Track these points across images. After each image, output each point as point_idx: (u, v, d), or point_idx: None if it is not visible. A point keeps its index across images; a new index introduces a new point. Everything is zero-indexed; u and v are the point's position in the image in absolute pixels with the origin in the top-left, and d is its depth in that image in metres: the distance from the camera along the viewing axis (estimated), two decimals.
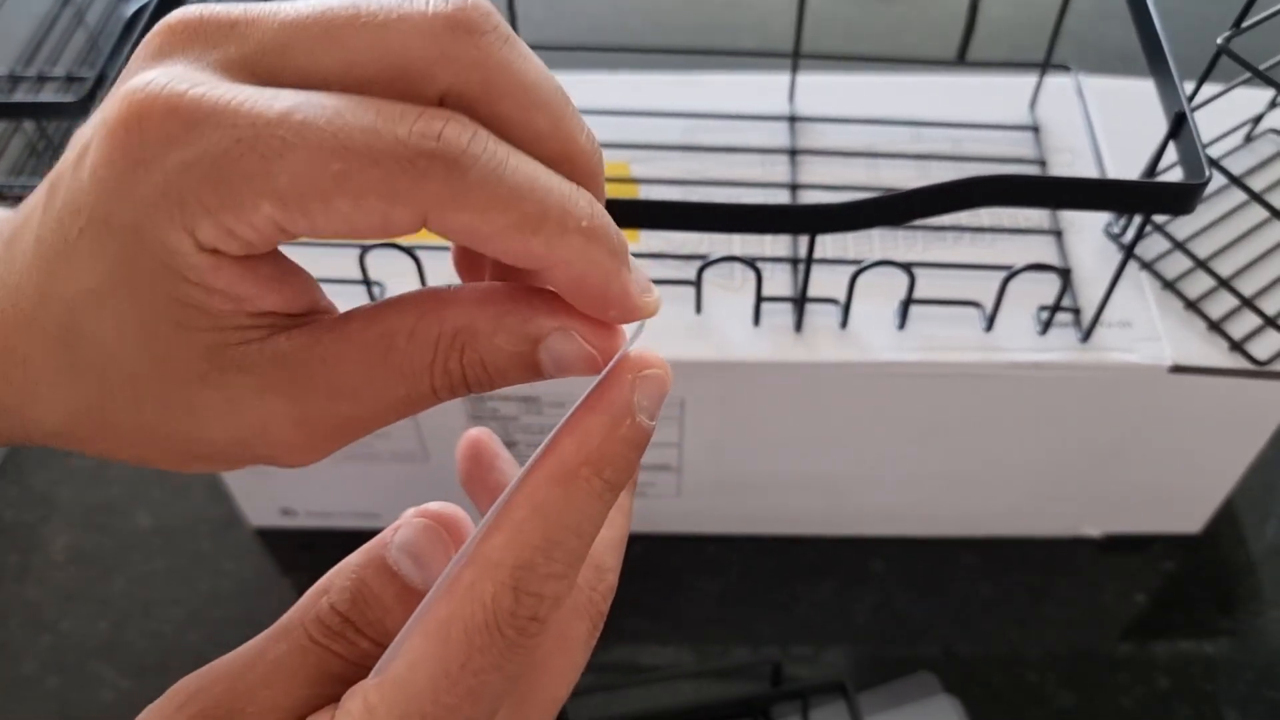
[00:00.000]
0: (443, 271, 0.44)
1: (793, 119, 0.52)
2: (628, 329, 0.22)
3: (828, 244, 0.47)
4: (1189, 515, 0.54)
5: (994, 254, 0.47)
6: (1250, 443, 0.48)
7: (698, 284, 0.44)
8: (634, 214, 0.38)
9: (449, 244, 0.24)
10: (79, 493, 0.57)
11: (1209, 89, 0.42)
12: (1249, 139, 0.51)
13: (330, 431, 0.21)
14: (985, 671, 0.51)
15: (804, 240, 0.46)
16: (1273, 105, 0.51)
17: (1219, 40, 0.39)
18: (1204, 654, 0.51)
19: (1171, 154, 0.39)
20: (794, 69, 0.53)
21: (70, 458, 0.58)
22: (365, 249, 0.44)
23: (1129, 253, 0.41)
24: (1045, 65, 0.52)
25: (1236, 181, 0.42)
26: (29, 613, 0.53)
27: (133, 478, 0.57)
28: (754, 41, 0.75)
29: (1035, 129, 0.52)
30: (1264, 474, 0.54)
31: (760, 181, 0.50)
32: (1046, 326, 0.44)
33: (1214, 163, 0.38)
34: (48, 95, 0.62)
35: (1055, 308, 0.44)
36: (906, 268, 0.42)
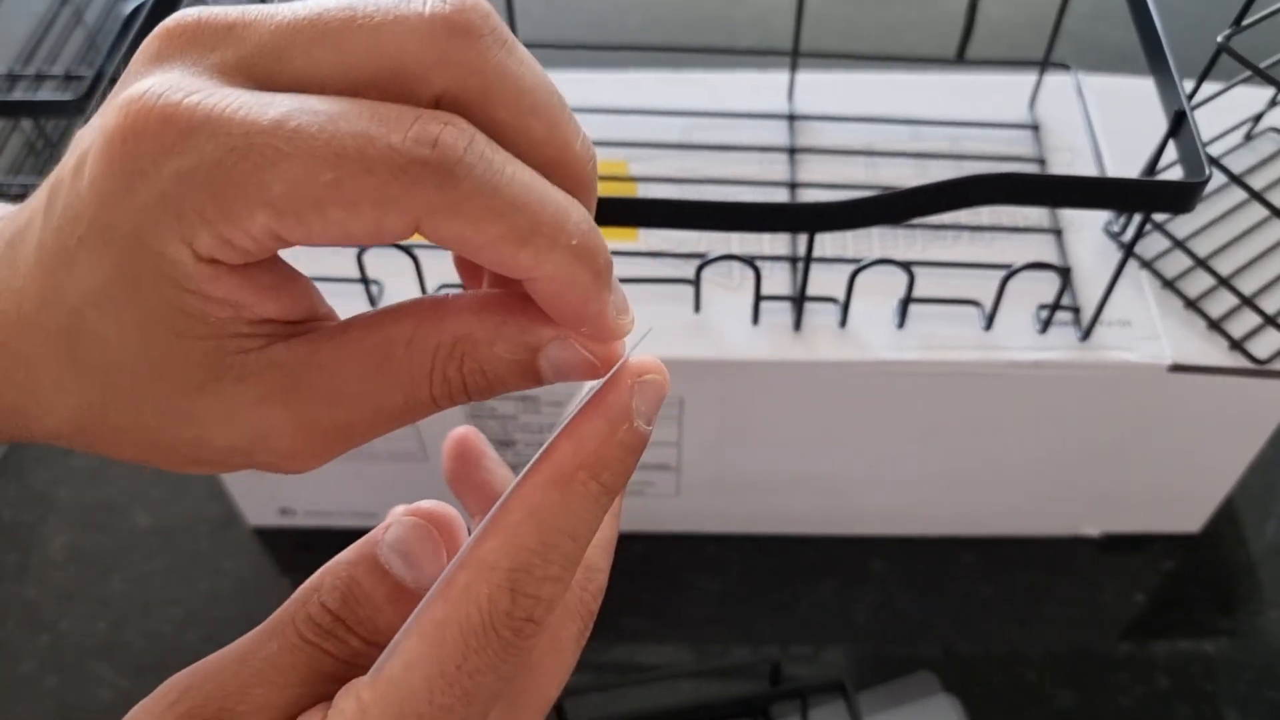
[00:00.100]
0: (441, 271, 0.44)
1: (791, 117, 0.52)
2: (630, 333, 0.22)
3: (827, 242, 0.47)
4: (1189, 515, 0.54)
5: (993, 253, 0.47)
6: (1250, 442, 0.48)
7: (696, 283, 0.44)
8: (632, 212, 0.38)
9: None
10: (78, 492, 0.57)
11: (1209, 87, 0.42)
12: (1249, 137, 0.51)
13: (329, 439, 0.21)
14: (985, 671, 0.51)
15: (803, 239, 0.46)
16: (1273, 103, 0.50)
17: (1219, 38, 0.39)
18: (1204, 654, 0.51)
19: (1171, 152, 0.39)
20: (793, 67, 0.52)
21: (70, 457, 0.58)
22: (363, 248, 0.44)
23: (1129, 251, 0.41)
24: (1045, 64, 0.52)
25: (1236, 180, 0.42)
26: (28, 612, 0.53)
27: (131, 477, 0.57)
28: (753, 39, 0.75)
29: (1035, 127, 0.52)
30: (1264, 473, 0.54)
31: (759, 180, 0.50)
32: (1046, 325, 0.44)
33: (1214, 161, 0.38)
34: (46, 94, 0.62)
35: (1055, 306, 0.44)
36: (906, 266, 0.42)
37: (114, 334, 0.19)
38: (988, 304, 0.44)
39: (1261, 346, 0.44)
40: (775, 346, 0.44)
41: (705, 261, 0.43)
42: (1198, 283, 0.46)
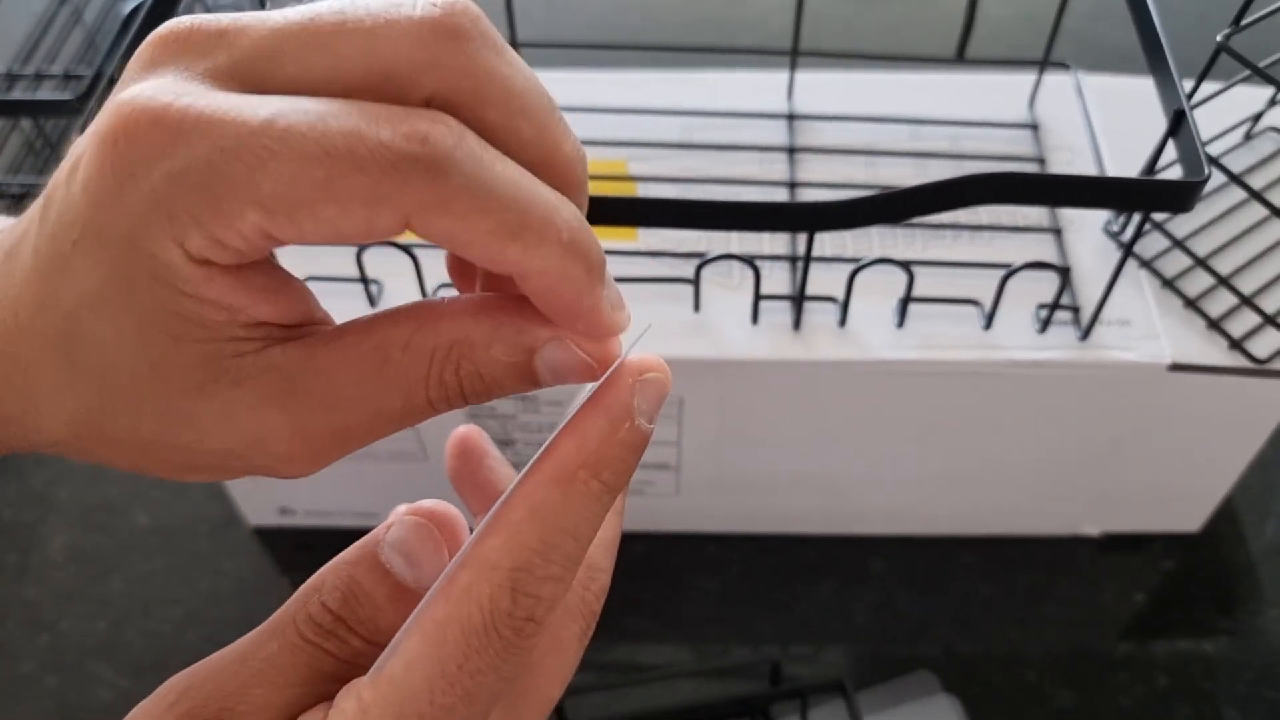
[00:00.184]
0: (441, 270, 0.44)
1: (791, 117, 0.52)
2: (629, 332, 0.22)
3: (826, 242, 0.47)
4: (1188, 514, 0.54)
5: (993, 252, 0.47)
6: (1250, 441, 0.48)
7: (696, 282, 0.44)
8: (632, 212, 0.38)
9: None
10: (77, 492, 0.57)
11: (1208, 87, 0.42)
12: (1248, 137, 0.51)
13: (326, 443, 0.21)
14: (985, 671, 0.51)
15: (802, 238, 0.46)
16: (1272, 103, 0.50)
17: (1218, 38, 0.39)
18: (1203, 653, 0.51)
19: (1171, 152, 0.39)
20: (792, 66, 0.52)
21: None
22: (362, 247, 0.44)
23: (1128, 251, 0.41)
24: (1044, 63, 0.52)
25: (1236, 179, 0.42)
26: (27, 612, 0.53)
27: (131, 477, 0.57)
28: (752, 39, 0.75)
29: (1034, 127, 0.52)
30: (1263, 473, 0.54)
31: (758, 179, 0.50)
32: (1045, 325, 0.44)
33: (1213, 160, 0.38)
34: (45, 93, 0.62)
35: (1054, 306, 0.44)
36: (905, 266, 0.42)
37: (110, 337, 0.19)
38: (987, 303, 0.44)
39: (1261, 346, 0.44)
40: (775, 346, 0.44)
41: (705, 261, 0.43)
42: (1197, 282, 0.46)
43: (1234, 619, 0.52)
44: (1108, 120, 0.51)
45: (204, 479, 0.22)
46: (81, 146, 0.19)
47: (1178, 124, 0.38)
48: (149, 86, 0.19)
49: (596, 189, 0.52)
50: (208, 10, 0.64)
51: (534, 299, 0.20)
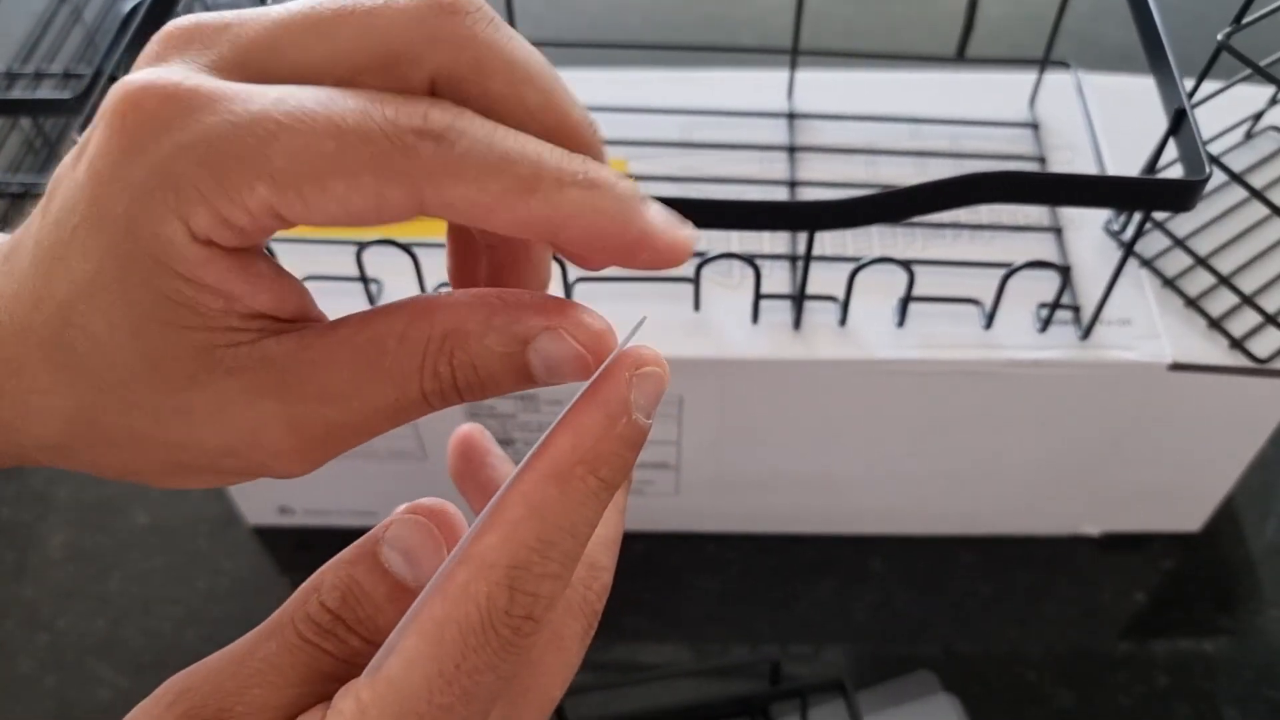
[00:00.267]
0: (441, 269, 0.44)
1: (791, 116, 0.52)
2: (624, 326, 0.21)
3: (826, 241, 0.47)
4: (1188, 514, 0.54)
5: (993, 251, 0.47)
6: (1250, 441, 0.48)
7: (696, 281, 0.44)
8: None
9: (444, 241, 0.25)
10: (76, 491, 0.57)
11: (1209, 86, 0.42)
12: (1249, 136, 0.51)
13: (321, 437, 0.20)
14: (985, 670, 0.51)
15: (802, 237, 0.46)
16: (1273, 102, 0.50)
17: (1219, 37, 0.39)
18: (1203, 653, 0.51)
19: (1171, 151, 0.39)
20: (793, 65, 0.52)
21: None
22: (362, 246, 0.44)
23: (1129, 250, 0.41)
24: (1045, 62, 0.52)
25: (1237, 178, 0.42)
26: (26, 611, 0.53)
27: None
28: (752, 38, 0.75)
29: (1035, 126, 0.52)
30: (1264, 472, 0.54)
31: (759, 178, 0.50)
32: (1046, 324, 0.44)
33: (1214, 159, 0.38)
34: (45, 92, 0.62)
35: (1055, 305, 0.43)
36: (906, 265, 0.42)
37: (103, 327, 0.19)
38: (988, 303, 0.44)
39: (1262, 345, 0.44)
40: (775, 345, 0.44)
41: (705, 260, 0.43)
42: (1198, 281, 0.45)
43: (1234, 619, 0.52)
44: (1108, 119, 0.51)
45: (198, 483, 0.22)
46: (88, 132, 0.19)
47: (1178, 123, 0.38)
48: (157, 70, 0.19)
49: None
50: (207, 9, 0.64)
51: (587, 251, 0.20)
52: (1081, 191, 0.38)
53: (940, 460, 0.50)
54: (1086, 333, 0.44)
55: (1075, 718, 0.49)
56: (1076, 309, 0.45)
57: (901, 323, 0.44)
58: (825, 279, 0.45)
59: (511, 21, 0.50)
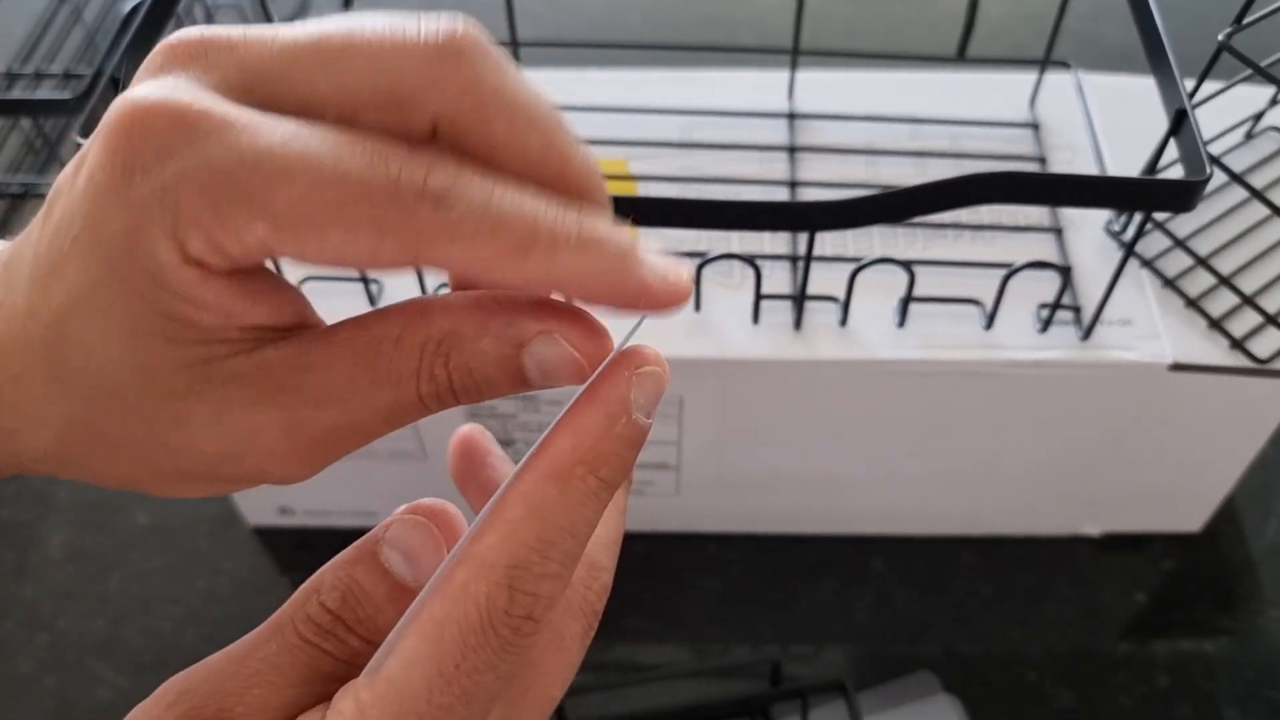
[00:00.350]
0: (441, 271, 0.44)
1: (792, 116, 0.52)
2: (624, 325, 0.21)
3: (827, 241, 0.47)
4: (1189, 514, 0.54)
5: (994, 252, 0.47)
6: (1250, 441, 0.48)
7: (697, 282, 0.44)
8: (633, 211, 0.38)
9: None
10: (76, 491, 0.57)
11: (1209, 86, 0.42)
12: (1249, 136, 0.51)
13: (319, 441, 0.20)
14: (985, 671, 0.51)
15: (803, 238, 0.46)
16: (1273, 102, 0.50)
17: (1220, 37, 0.39)
18: (1204, 653, 0.51)
19: (1172, 151, 0.39)
20: (793, 65, 0.52)
21: None
22: None
23: (1129, 250, 0.41)
24: (1045, 62, 0.52)
25: (1237, 179, 0.42)
26: (26, 611, 0.53)
27: None
28: (753, 38, 0.75)
29: (1035, 126, 0.52)
30: (1264, 473, 0.54)
31: (759, 179, 0.50)
32: (1047, 324, 0.44)
33: (1215, 160, 0.38)
34: (44, 92, 0.62)
35: (1055, 305, 0.43)
36: (906, 265, 0.42)
37: (98, 341, 0.19)
38: (988, 303, 0.44)
39: (1262, 346, 0.44)
40: (775, 345, 0.44)
41: (705, 260, 0.43)
42: (1198, 282, 0.45)
43: (1234, 619, 0.52)
44: (1109, 119, 0.51)
45: (198, 491, 0.22)
46: (88, 144, 0.19)
47: (1179, 123, 0.38)
48: (164, 85, 0.19)
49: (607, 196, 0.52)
50: (207, 10, 0.64)
51: (592, 303, 0.20)
52: (1082, 192, 0.38)
53: (941, 460, 0.50)
54: (1087, 333, 0.44)
55: (1076, 718, 0.49)
56: (1077, 309, 0.45)
57: (902, 323, 0.44)
58: (826, 279, 0.45)
59: (512, 22, 0.49)
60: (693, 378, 0.45)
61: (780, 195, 0.49)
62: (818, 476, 0.51)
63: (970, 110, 0.52)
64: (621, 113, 0.52)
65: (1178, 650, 0.51)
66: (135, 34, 0.37)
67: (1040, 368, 0.44)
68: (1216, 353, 0.44)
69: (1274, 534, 0.55)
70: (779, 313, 0.45)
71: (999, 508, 0.53)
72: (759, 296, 0.44)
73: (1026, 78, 0.53)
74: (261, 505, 0.54)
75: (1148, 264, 0.46)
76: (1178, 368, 0.44)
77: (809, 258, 0.41)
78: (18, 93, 0.61)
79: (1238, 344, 0.44)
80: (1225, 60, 0.40)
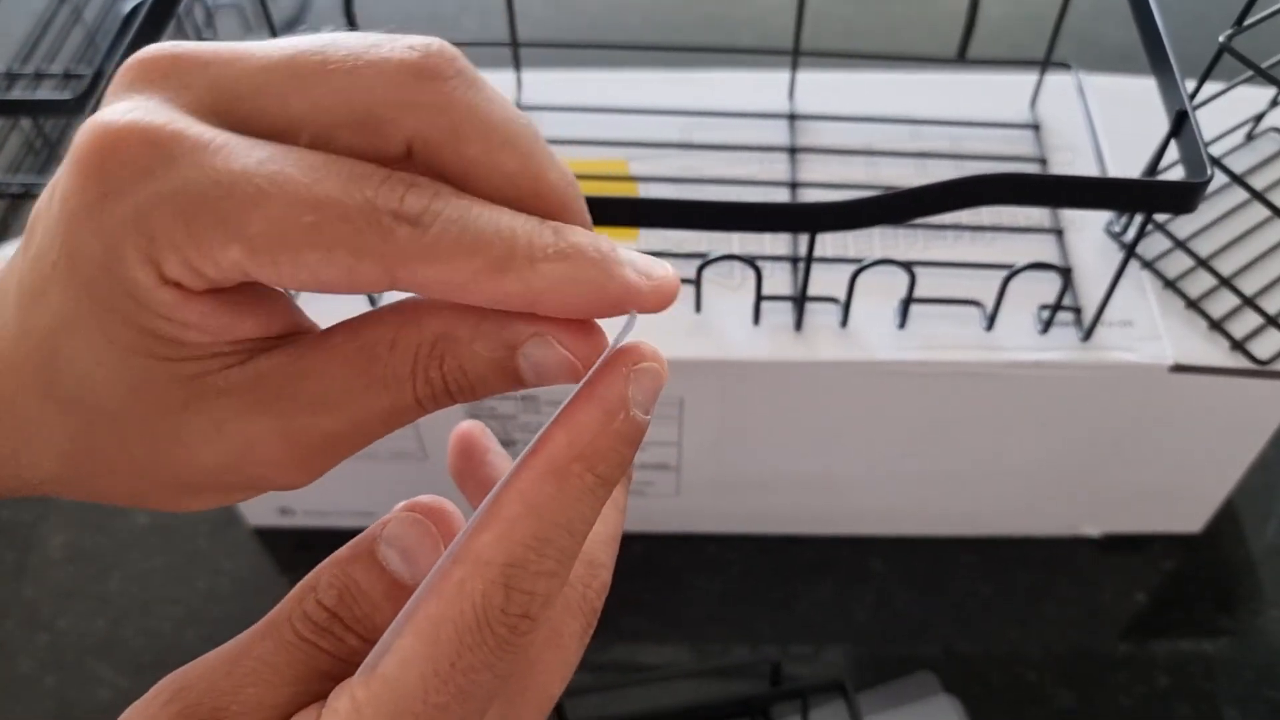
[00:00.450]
0: None
1: (792, 116, 0.52)
2: (619, 324, 0.21)
3: (827, 242, 0.47)
4: (1189, 515, 0.54)
5: (994, 253, 0.47)
6: (1251, 442, 0.48)
7: (697, 282, 0.44)
8: (633, 212, 0.38)
9: None
10: None
11: (1210, 87, 0.42)
12: (1250, 137, 0.51)
13: (317, 447, 0.20)
14: (985, 671, 0.51)
15: (804, 239, 0.46)
16: (1274, 103, 0.50)
17: (1221, 38, 0.39)
18: (1204, 653, 0.51)
19: (1173, 152, 0.39)
20: (793, 66, 0.52)
21: None
22: None
23: (1130, 252, 0.41)
24: (1045, 63, 0.52)
25: (1238, 180, 0.42)
26: (26, 611, 0.53)
27: None
28: (753, 39, 0.75)
29: (1035, 127, 0.52)
30: (1264, 473, 0.54)
31: (759, 179, 0.50)
32: (1047, 325, 0.44)
33: (1216, 161, 0.38)
34: (44, 92, 0.62)
35: (1056, 307, 0.43)
36: (907, 266, 0.42)
37: (89, 363, 0.19)
38: (989, 304, 0.44)
39: (1263, 347, 0.44)
40: (776, 346, 0.44)
41: (706, 261, 0.43)
42: (1199, 283, 0.45)
43: (1234, 619, 0.52)
44: (1109, 120, 0.51)
45: (206, 504, 0.22)
46: (61, 169, 0.19)
47: (1180, 124, 0.38)
48: (134, 106, 0.19)
49: (597, 189, 0.52)
50: (208, 10, 0.64)
51: (572, 316, 0.20)
52: (1083, 193, 0.38)
53: (941, 461, 0.50)
54: (1088, 334, 0.44)
55: (1076, 718, 0.49)
56: (1078, 310, 0.45)
57: (903, 324, 0.44)
58: (826, 280, 0.45)
59: (512, 23, 0.49)
60: (693, 378, 0.45)
61: (780, 196, 0.49)
62: (818, 477, 0.51)
63: (971, 111, 0.52)
64: (621, 113, 0.52)
65: (1178, 650, 0.51)
66: (135, 34, 0.37)
67: (1041, 369, 0.44)
68: (1217, 354, 0.44)
69: (1274, 534, 0.55)
70: (780, 314, 0.45)
71: (999, 508, 0.53)
72: (760, 297, 0.44)
73: (1027, 78, 0.53)
74: (261, 505, 0.54)
75: (1148, 265, 0.46)
76: (1178, 369, 0.44)
77: (810, 259, 0.41)
78: (18, 93, 0.61)
79: (1238, 345, 0.44)
80: (1226, 61, 0.40)
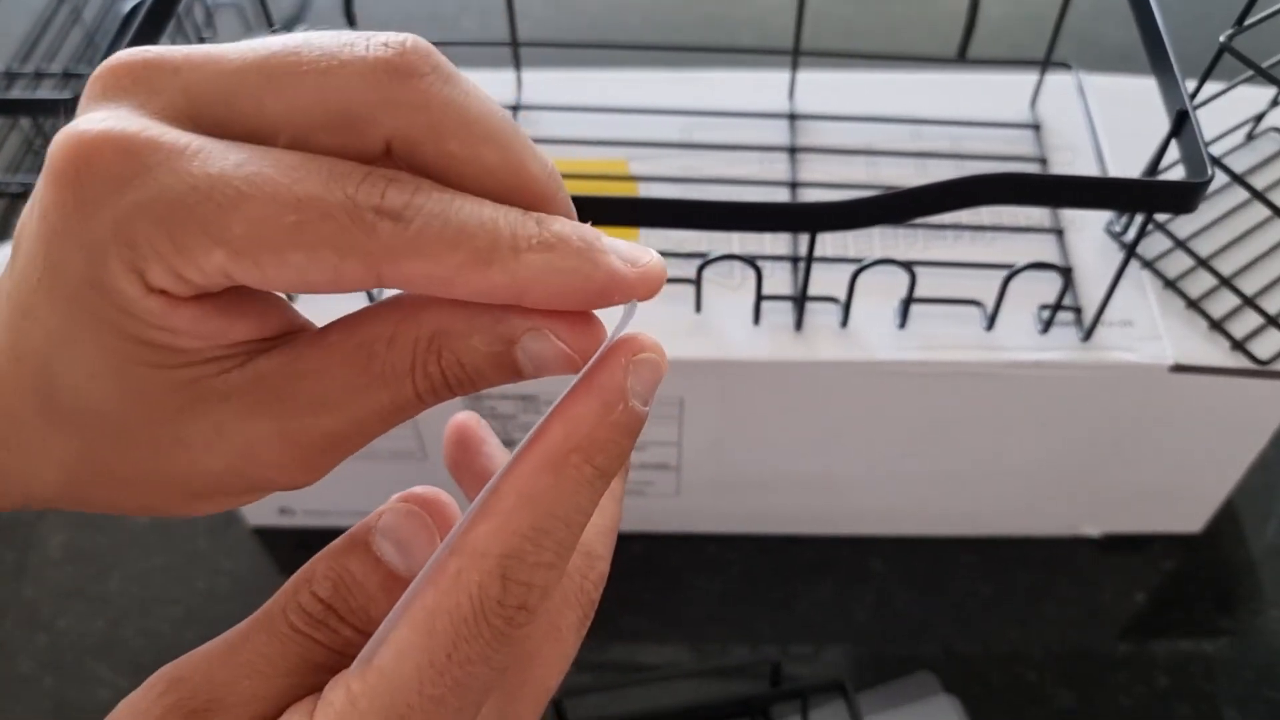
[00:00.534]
0: None
1: (792, 116, 0.52)
2: (617, 314, 0.21)
3: (828, 242, 0.47)
4: (1189, 515, 0.54)
5: (995, 252, 0.47)
6: (1251, 442, 0.48)
7: (697, 282, 0.44)
8: (633, 212, 0.38)
9: None
10: None
11: (1211, 87, 0.42)
12: (1250, 137, 0.51)
13: (318, 446, 0.20)
14: (985, 671, 0.51)
15: (804, 238, 0.46)
16: (1274, 103, 0.50)
17: (1221, 38, 0.39)
18: (1204, 653, 0.51)
19: (1173, 152, 0.39)
20: (794, 66, 0.52)
21: None
22: None
23: (1130, 251, 0.41)
24: (1046, 63, 0.52)
25: (1239, 180, 0.42)
26: (25, 611, 0.53)
27: None
28: (753, 38, 0.75)
29: (1036, 127, 0.52)
30: (1264, 473, 0.54)
31: (760, 179, 0.50)
32: (1047, 325, 0.44)
33: (1216, 161, 0.38)
34: (44, 92, 0.62)
35: (1056, 306, 0.43)
36: (907, 266, 0.42)
37: (84, 376, 0.19)
38: (989, 304, 0.44)
39: (1263, 347, 0.44)
40: (776, 346, 0.44)
41: (706, 261, 0.43)
42: (1199, 283, 0.45)
43: (1234, 619, 0.52)
44: (1110, 120, 0.51)
45: (214, 507, 0.22)
46: (39, 183, 0.19)
47: (1180, 124, 0.38)
48: (107, 115, 0.18)
49: (597, 189, 0.52)
50: (207, 10, 0.64)
51: (557, 307, 0.20)
52: (1083, 193, 0.38)
53: (941, 461, 0.50)
54: (1088, 334, 0.44)
55: (1076, 718, 0.49)
56: (1078, 310, 0.45)
57: (903, 324, 0.44)
58: (827, 280, 0.45)
59: (512, 23, 0.49)
60: (693, 378, 0.45)
61: (781, 196, 0.49)
62: (818, 477, 0.51)
63: (971, 111, 0.52)
64: (621, 113, 0.52)
65: (1178, 650, 0.51)
66: (135, 34, 0.37)
67: (1041, 369, 0.44)
68: (1217, 354, 0.44)
69: (1274, 534, 0.55)
70: (780, 313, 0.45)
71: (999, 508, 0.53)
72: (760, 297, 0.44)
73: (1027, 78, 0.53)
74: (261, 505, 0.54)
75: (1149, 265, 0.46)
76: (1178, 369, 0.43)
77: (810, 259, 0.41)
78: (17, 92, 0.61)
79: (1238, 345, 0.44)
80: (1226, 61, 0.40)
